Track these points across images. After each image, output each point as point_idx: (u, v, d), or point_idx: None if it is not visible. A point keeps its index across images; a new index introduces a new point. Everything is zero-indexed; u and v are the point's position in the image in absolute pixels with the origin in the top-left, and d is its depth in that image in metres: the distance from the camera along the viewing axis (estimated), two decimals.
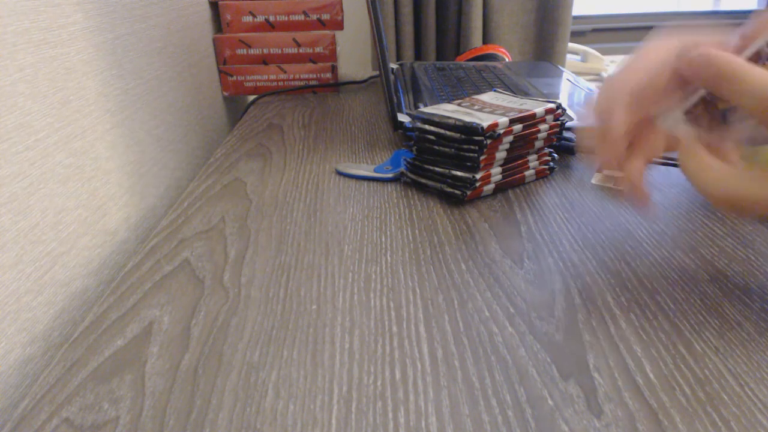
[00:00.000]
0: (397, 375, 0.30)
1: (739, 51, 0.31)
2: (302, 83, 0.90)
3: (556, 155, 0.55)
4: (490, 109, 0.50)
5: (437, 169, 0.50)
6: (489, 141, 0.47)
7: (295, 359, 0.31)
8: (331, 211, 0.48)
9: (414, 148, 0.51)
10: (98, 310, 0.37)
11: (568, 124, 0.60)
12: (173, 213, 0.49)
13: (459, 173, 0.48)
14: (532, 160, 0.53)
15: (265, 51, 0.88)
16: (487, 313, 0.34)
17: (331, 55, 0.89)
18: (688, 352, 0.30)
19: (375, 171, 0.55)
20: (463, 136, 0.47)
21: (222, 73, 0.88)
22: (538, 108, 0.50)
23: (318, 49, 0.88)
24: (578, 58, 1.59)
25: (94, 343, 0.33)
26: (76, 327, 0.45)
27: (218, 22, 0.89)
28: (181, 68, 0.71)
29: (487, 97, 0.54)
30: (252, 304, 0.36)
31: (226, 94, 0.89)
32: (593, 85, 0.82)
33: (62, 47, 0.44)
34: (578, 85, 0.82)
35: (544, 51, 1.38)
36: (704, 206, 0.47)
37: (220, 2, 0.86)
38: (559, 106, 0.51)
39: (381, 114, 0.79)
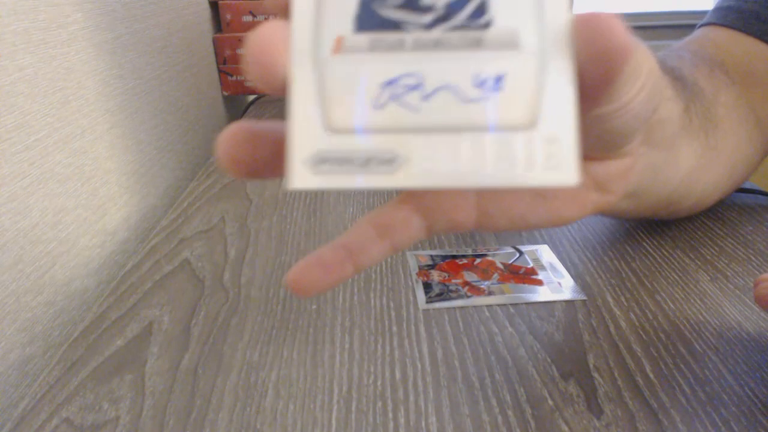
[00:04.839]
0: (397, 375, 0.29)
1: None
2: None
3: None
4: None
5: None
6: None
7: (295, 359, 0.31)
8: (331, 211, 0.48)
9: None
10: (98, 310, 0.37)
11: None
12: (173, 213, 0.49)
13: None
14: None
15: None
16: (487, 313, 0.34)
17: None
18: (688, 352, 0.30)
19: None
20: None
21: (222, 72, 0.88)
22: None
23: None
24: None
25: (94, 343, 0.33)
26: (75, 327, 0.45)
27: (218, 22, 0.89)
28: (181, 68, 0.71)
29: None
30: (252, 304, 0.36)
31: (226, 93, 0.89)
32: None
33: (62, 47, 0.44)
34: None
35: None
36: None
37: (220, 2, 0.85)
38: None
39: None
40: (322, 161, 0.15)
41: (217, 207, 0.50)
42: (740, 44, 0.43)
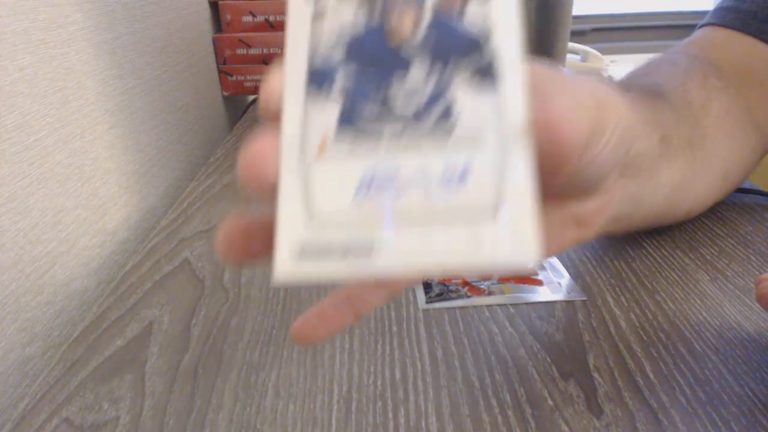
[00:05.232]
0: (397, 375, 0.29)
1: None
2: None
3: None
4: None
5: None
6: None
7: (295, 359, 0.31)
8: None
9: None
10: (98, 310, 0.37)
11: None
12: (173, 213, 0.49)
13: None
14: None
15: (265, 51, 0.87)
16: (487, 313, 0.34)
17: None
18: (688, 352, 0.30)
19: None
20: None
21: (222, 72, 0.88)
22: None
23: None
24: (578, 57, 1.59)
25: (94, 343, 0.33)
26: (75, 327, 0.45)
27: (218, 22, 0.89)
28: (181, 68, 0.71)
29: None
30: (252, 304, 0.36)
31: (226, 93, 0.89)
32: None
33: (61, 47, 0.44)
34: None
35: (544, 50, 1.38)
36: None
37: (220, 2, 0.85)
38: None
39: None
40: (305, 253, 0.17)
41: (217, 207, 0.50)
42: (738, 44, 0.43)
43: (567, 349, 0.31)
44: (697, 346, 0.31)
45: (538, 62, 0.24)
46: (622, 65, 1.58)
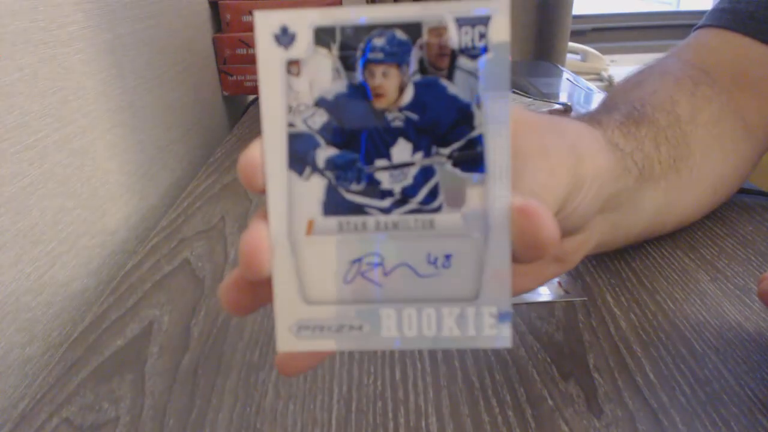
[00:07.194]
0: (397, 375, 0.29)
1: None
2: None
3: None
4: None
5: None
6: None
7: None
8: None
9: None
10: (98, 310, 0.37)
11: None
12: (173, 213, 0.49)
13: None
14: None
15: None
16: None
17: None
18: (688, 352, 0.30)
19: None
20: None
21: (222, 72, 0.88)
22: (532, 106, 0.50)
23: None
24: (578, 57, 1.59)
25: (94, 343, 0.33)
26: (75, 327, 0.45)
27: (218, 22, 0.89)
28: (181, 68, 0.71)
29: None
30: None
31: (226, 93, 0.89)
32: (593, 85, 0.82)
33: (61, 47, 0.44)
34: (578, 85, 0.82)
35: (544, 50, 1.37)
36: None
37: (220, 2, 0.85)
38: (567, 109, 0.51)
39: None
40: (303, 328, 0.18)
41: (217, 207, 0.50)
42: (734, 45, 0.42)
43: (567, 349, 0.31)
44: (697, 346, 0.31)
45: (518, 110, 0.24)
46: (622, 65, 1.58)
